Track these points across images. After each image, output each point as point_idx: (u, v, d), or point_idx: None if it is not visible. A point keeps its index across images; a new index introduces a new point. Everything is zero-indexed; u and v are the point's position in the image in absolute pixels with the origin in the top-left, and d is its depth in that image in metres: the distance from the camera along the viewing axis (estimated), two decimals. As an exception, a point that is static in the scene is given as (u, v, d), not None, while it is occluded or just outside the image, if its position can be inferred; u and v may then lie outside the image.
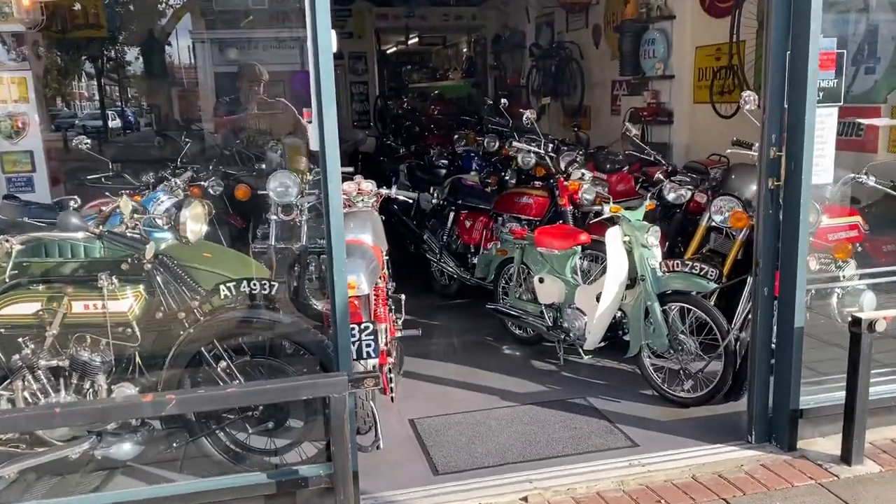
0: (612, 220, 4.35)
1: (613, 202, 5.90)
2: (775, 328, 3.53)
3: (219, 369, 3.25)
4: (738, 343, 3.97)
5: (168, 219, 3.22)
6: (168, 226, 3.20)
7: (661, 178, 4.92)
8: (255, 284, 3.31)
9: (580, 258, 4.82)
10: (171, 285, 3.29)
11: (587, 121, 10.28)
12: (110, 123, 12.37)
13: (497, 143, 8.10)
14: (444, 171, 7.98)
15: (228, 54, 12.10)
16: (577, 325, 4.55)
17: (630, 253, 4.25)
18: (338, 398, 2.75)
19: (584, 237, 4.59)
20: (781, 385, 3.53)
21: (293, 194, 4.93)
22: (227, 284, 3.31)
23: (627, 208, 4.36)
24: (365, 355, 3.37)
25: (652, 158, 5.52)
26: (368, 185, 4.80)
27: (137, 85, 11.52)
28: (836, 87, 3.39)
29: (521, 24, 12.30)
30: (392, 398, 3.88)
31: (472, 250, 6.01)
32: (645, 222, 4.25)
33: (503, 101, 8.42)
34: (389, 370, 3.89)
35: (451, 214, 6.30)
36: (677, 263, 4.11)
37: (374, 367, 3.40)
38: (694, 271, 4.04)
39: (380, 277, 4.23)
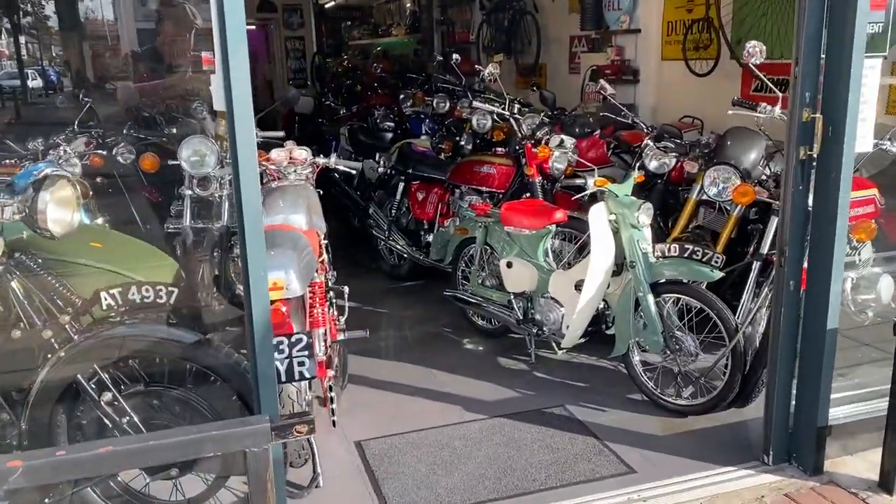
0: (595, 197, 3.67)
1: (580, 170, 5.30)
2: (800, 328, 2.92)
3: (103, 403, 2.45)
4: (746, 341, 3.37)
5: (23, 204, 2.38)
6: (22, 214, 2.36)
7: (649, 143, 4.23)
8: (147, 290, 2.51)
9: (553, 238, 4.15)
10: (33, 294, 2.46)
11: (543, 80, 9.55)
12: (30, 83, 11.11)
13: (448, 104, 7.32)
14: (390, 136, 7.18)
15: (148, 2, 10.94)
16: (552, 317, 3.87)
17: (616, 234, 3.59)
18: (257, 452, 2.01)
19: (559, 214, 3.88)
20: (807, 397, 2.93)
21: (210, 164, 4.09)
22: (111, 291, 2.50)
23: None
24: (297, 376, 2.62)
25: (629, 121, 4.84)
26: (302, 153, 3.99)
27: (58, 41, 10.22)
28: (882, 34, 2.74)
29: (469, -25, 11.42)
30: (333, 422, 3.14)
31: (426, 226, 5.26)
32: (634, 198, 3.57)
33: (455, 56, 7.61)
34: (330, 387, 3.15)
35: (401, 185, 5.52)
36: (673, 247, 3.46)
37: (306, 404, 2.66)
38: (694, 256, 3.39)
39: (317, 269, 3.47)
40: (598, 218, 3.56)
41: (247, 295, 2.30)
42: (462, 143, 5.95)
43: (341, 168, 4.13)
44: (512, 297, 4.10)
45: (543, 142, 4.62)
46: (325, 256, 3.86)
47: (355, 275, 5.75)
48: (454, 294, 4.50)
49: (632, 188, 3.63)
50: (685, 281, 3.44)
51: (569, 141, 4.39)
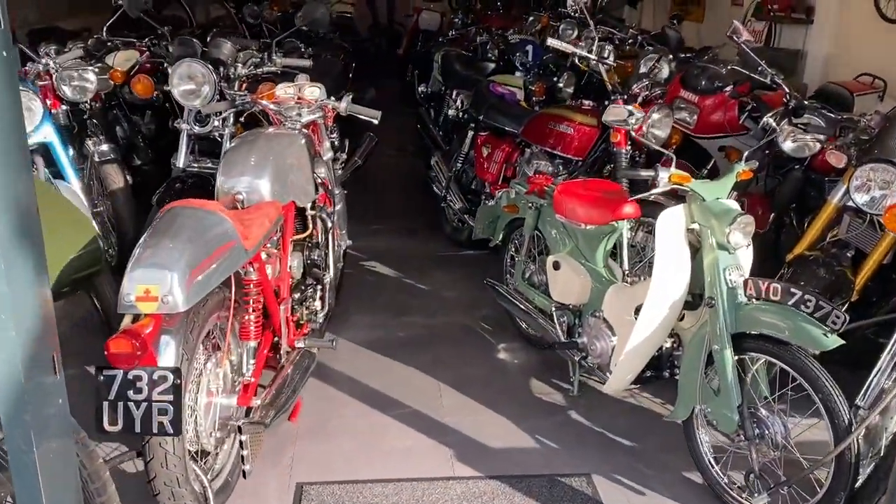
0: (675, 196, 2.57)
1: (700, 137, 4.08)
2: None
3: None
4: (869, 436, 2.24)
5: None
6: None
7: (771, 122, 2.99)
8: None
9: (630, 232, 3.08)
10: None
11: (700, 10, 8.04)
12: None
13: (575, 33, 6.16)
14: (492, 67, 6.13)
15: None
16: (598, 346, 2.86)
17: (697, 253, 2.49)
18: None
19: (629, 209, 2.78)
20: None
21: (206, 95, 3.34)
22: None
23: (706, 175, 2.55)
24: (156, 428, 1.85)
25: (768, 80, 3.54)
26: (315, 92, 3.14)
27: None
28: None
29: None
30: (244, 472, 2.36)
31: (487, 189, 4.29)
32: (730, 204, 2.44)
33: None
34: (263, 418, 2.36)
35: (469, 134, 4.54)
36: (774, 287, 2.31)
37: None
38: (804, 307, 2.24)
39: (278, 248, 2.66)
40: (669, 228, 2.47)
41: None
42: (560, 84, 4.84)
43: (359, 115, 3.23)
44: (554, 308, 3.11)
45: (640, 99, 3.46)
46: (315, 232, 3.04)
47: (412, 234, 4.94)
48: (495, 285, 3.55)
49: (729, 187, 2.49)
50: (784, 339, 2.31)
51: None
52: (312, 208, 3.03)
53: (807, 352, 2.27)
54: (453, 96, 4.87)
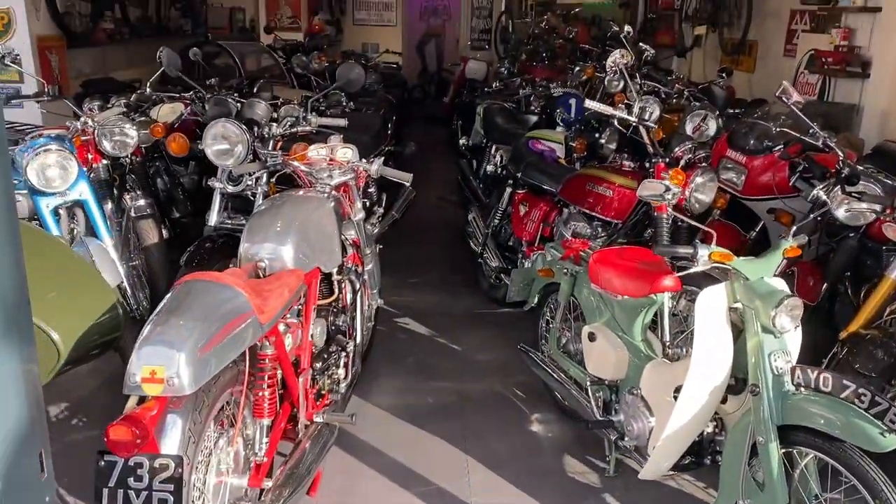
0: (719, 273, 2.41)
1: (748, 199, 3.90)
2: None
3: None
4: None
5: None
6: None
7: (821, 195, 2.81)
8: None
9: (672, 300, 2.92)
10: None
11: (751, 60, 7.85)
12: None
13: (621, 85, 6.07)
14: (534, 121, 6.07)
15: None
16: (636, 427, 2.69)
17: (741, 334, 2.33)
18: None
19: (668, 281, 2.62)
20: None
21: (239, 155, 3.33)
22: None
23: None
24: (151, 524, 1.77)
25: (820, 144, 3.36)
26: (347, 154, 3.10)
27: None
28: None
29: (685, -70, 9.71)
30: None
31: (524, 248, 4.18)
32: (776, 284, 2.27)
33: (626, 29, 6.27)
34: (275, 501, 2.26)
35: (507, 190, 4.45)
36: (825, 378, 2.12)
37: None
38: (859, 402, 2.05)
39: (300, 316, 2.59)
40: (710, 308, 2.31)
41: None
42: (603, 141, 4.72)
43: (391, 178, 3.17)
44: (589, 382, 2.95)
45: (683, 162, 3.32)
46: (342, 297, 2.96)
47: (449, 289, 4.83)
48: (528, 351, 3.42)
49: (776, 265, 2.32)
50: (836, 435, 2.11)
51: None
52: (340, 272, 2.96)
53: (861, 450, 2.07)
54: (492, 151, 4.81)
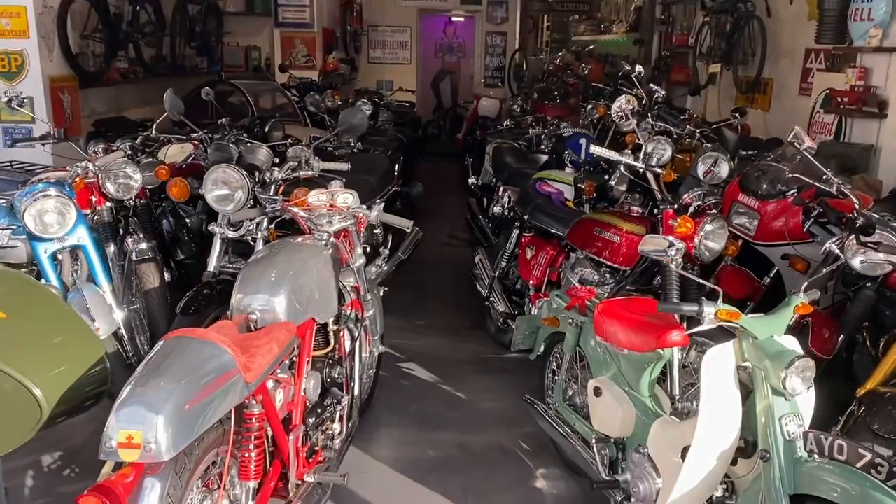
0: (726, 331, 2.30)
1: (761, 244, 3.80)
2: None
3: None
4: None
5: None
6: None
7: (834, 249, 2.71)
8: None
9: (682, 354, 2.81)
10: None
11: (766, 98, 7.77)
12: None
13: (634, 123, 6.01)
14: (544, 160, 6.02)
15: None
16: (642, 488, 2.57)
17: (750, 395, 2.22)
18: None
19: (676, 336, 2.52)
20: None
21: (239, 200, 3.29)
22: None
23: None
24: None
25: (833, 190, 3.27)
26: (348, 199, 3.05)
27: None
28: None
29: (699, -31, 9.72)
30: None
31: (531, 292, 4.09)
32: (786, 343, 2.17)
33: (638, 69, 6.23)
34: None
35: (514, 233, 4.37)
36: (839, 445, 2.01)
37: None
38: (876, 473, 1.93)
39: (293, 369, 2.51)
40: (717, 368, 2.21)
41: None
42: (612, 183, 4.64)
43: (392, 222, 3.11)
44: (595, 438, 2.84)
45: (692, 209, 3.24)
46: (339, 348, 2.88)
47: (456, 332, 4.74)
48: (534, 402, 3.31)
49: (786, 323, 2.22)
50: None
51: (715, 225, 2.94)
52: (337, 321, 2.89)
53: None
54: (500, 192, 4.74)
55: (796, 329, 2.97)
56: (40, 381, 2.14)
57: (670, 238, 2.38)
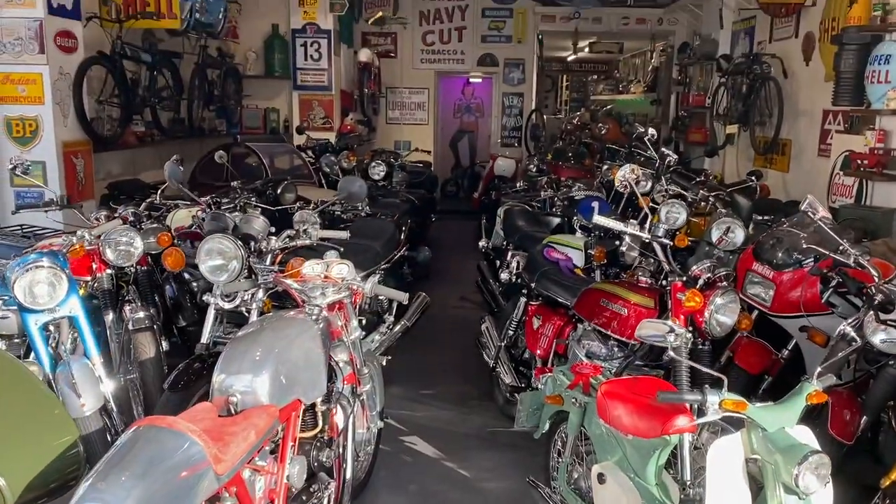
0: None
1: (777, 316, 3.64)
2: None
3: None
4: None
5: None
6: None
7: (850, 331, 2.56)
8: None
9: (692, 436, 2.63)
10: None
11: (784, 159, 7.67)
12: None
13: (649, 185, 5.92)
14: (557, 222, 5.93)
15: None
16: (648, 586, 2.39)
17: (761, 490, 2.05)
18: None
19: (683, 421, 2.36)
20: None
21: (233, 271, 3.22)
22: None
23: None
24: None
25: (851, 262, 3.12)
26: (343, 271, 2.96)
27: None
28: None
29: (714, 31, 9.76)
30: None
31: (538, 364, 3.94)
32: (799, 437, 2.01)
33: (651, 132, 6.18)
34: None
35: (522, 300, 4.25)
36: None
37: None
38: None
39: (276, 454, 2.38)
40: (723, 463, 2.05)
41: None
42: (623, 249, 4.51)
43: (385, 296, 3.01)
44: (598, 528, 2.66)
45: (702, 282, 3.10)
46: (328, 429, 2.75)
47: (462, 403, 4.58)
48: (537, 484, 3.13)
49: (799, 414, 2.06)
50: None
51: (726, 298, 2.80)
52: (327, 399, 2.76)
53: None
54: (508, 257, 4.63)
55: (814, 409, 2.80)
56: (5, 468, 2.05)
57: (669, 322, 2.25)
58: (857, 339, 2.64)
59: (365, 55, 10.53)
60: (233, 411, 2.27)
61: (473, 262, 6.95)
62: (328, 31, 9.43)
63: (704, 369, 2.24)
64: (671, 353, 2.36)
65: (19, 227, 4.63)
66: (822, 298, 3.48)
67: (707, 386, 2.05)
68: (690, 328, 3.01)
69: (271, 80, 9.68)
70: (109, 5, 6.26)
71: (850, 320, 2.74)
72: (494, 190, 9.24)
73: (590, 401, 2.83)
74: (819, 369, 2.15)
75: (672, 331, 2.24)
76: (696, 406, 2.23)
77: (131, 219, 4.11)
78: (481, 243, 5.91)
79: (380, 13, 11.04)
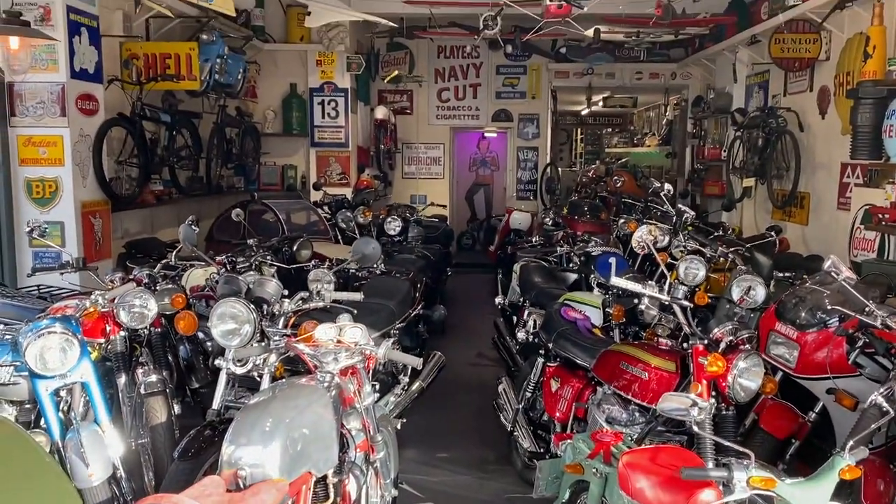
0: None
1: (803, 378, 3.53)
2: None
3: None
4: None
5: None
6: None
7: (882, 402, 2.45)
8: None
9: None
10: None
11: (803, 213, 7.60)
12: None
13: (666, 240, 5.85)
14: (573, 278, 5.87)
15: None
16: None
17: (794, 573, 1.94)
18: None
19: (709, 495, 2.26)
20: None
21: (246, 335, 3.18)
22: None
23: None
24: None
25: (878, 324, 3.03)
26: (356, 334, 2.91)
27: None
28: None
29: (728, 85, 9.81)
30: None
31: (556, 429, 3.83)
32: (833, 514, 1.91)
33: (667, 187, 6.15)
34: None
35: (539, 361, 4.17)
36: None
37: None
38: None
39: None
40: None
41: None
42: (642, 307, 4.43)
43: (399, 361, 2.95)
44: None
45: (724, 345, 3.01)
46: (345, 499, 2.67)
47: (480, 467, 4.46)
48: (557, 559, 3.01)
49: (831, 493, 1.96)
50: None
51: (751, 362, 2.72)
52: (339, 471, 2.69)
53: None
54: (525, 315, 4.57)
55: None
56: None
57: (692, 396, 2.17)
58: (892, 410, 2.53)
59: (381, 112, 10.68)
60: (241, 486, 2.20)
61: (490, 317, 6.89)
62: (345, 89, 9.59)
63: (729, 444, 2.15)
64: (695, 427, 2.27)
65: (36, 288, 4.65)
66: (848, 359, 3.38)
67: (733, 459, 1.96)
68: (714, 393, 2.92)
69: (289, 138, 9.81)
70: (130, 68, 6.39)
71: (882, 389, 2.63)
72: (510, 244, 9.23)
73: (611, 471, 2.72)
74: (851, 443, 2.06)
75: (695, 404, 2.16)
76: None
77: (146, 280, 4.10)
78: (497, 300, 5.85)
79: (396, 72, 11.22)
